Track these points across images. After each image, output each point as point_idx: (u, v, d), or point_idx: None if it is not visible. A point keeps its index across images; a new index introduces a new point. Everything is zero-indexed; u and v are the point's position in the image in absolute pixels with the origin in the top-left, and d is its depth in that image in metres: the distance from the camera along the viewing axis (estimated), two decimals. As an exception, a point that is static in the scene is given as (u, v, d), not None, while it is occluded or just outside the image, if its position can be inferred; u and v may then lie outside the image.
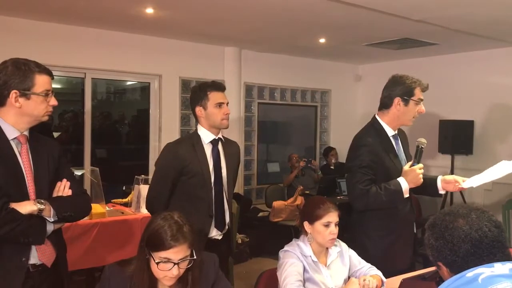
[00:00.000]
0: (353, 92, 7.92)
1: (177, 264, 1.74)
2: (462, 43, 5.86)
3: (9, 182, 1.97)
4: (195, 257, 1.79)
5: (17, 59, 2.03)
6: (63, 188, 2.13)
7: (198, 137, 2.74)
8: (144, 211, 3.98)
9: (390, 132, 2.78)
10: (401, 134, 2.91)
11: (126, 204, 4.27)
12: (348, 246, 2.56)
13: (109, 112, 6.89)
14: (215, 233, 2.74)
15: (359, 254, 2.55)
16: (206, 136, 2.74)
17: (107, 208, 3.98)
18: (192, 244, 1.78)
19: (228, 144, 2.87)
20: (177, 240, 1.73)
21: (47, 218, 2.01)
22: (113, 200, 4.41)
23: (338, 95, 7.77)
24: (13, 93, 1.98)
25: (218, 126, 2.73)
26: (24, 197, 2.00)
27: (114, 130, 6.83)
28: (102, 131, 6.41)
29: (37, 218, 1.98)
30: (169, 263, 1.73)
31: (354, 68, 7.91)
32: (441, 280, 1.45)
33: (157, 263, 1.73)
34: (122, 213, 4.01)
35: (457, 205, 1.54)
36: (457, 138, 6.13)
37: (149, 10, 4.54)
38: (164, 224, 1.76)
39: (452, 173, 6.17)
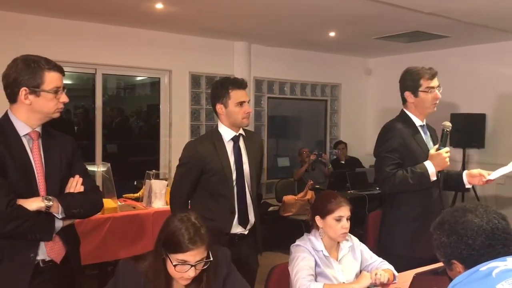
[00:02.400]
0: (363, 86, 7.88)
1: (194, 266, 1.74)
2: (473, 36, 5.80)
3: (18, 179, 1.97)
4: (211, 259, 1.79)
5: (27, 56, 2.02)
6: (75, 184, 2.12)
7: (218, 134, 2.71)
8: (155, 205, 4.02)
9: (418, 122, 2.85)
10: (431, 130, 2.97)
11: (138, 199, 4.29)
12: (379, 230, 2.56)
13: (120, 108, 6.93)
14: (240, 229, 2.72)
15: (387, 238, 2.55)
16: (226, 133, 2.71)
17: (119, 203, 4.01)
18: (209, 246, 1.78)
19: (250, 138, 2.83)
20: (194, 243, 1.73)
21: (56, 215, 2.01)
22: (125, 195, 4.43)
23: (348, 89, 7.74)
24: (23, 90, 1.98)
25: (239, 124, 2.70)
26: (34, 193, 2.00)
27: (124, 126, 6.87)
28: (113, 127, 6.46)
29: (45, 215, 1.98)
30: (186, 265, 1.74)
31: (364, 61, 7.86)
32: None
33: (175, 266, 1.74)
34: (134, 207, 4.04)
35: (460, 203, 1.58)
36: (469, 132, 6.08)
37: (159, 6, 4.54)
38: (182, 226, 1.75)
39: (464, 167, 6.12)
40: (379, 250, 2.67)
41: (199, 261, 1.75)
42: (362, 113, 7.77)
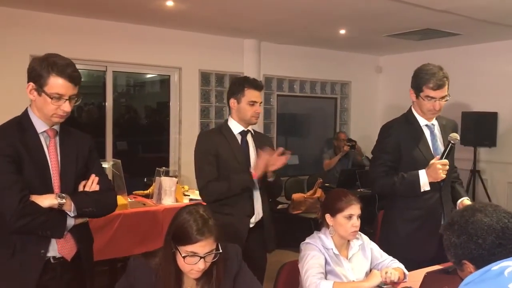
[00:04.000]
0: (373, 84, 7.84)
1: (203, 257, 1.75)
2: (486, 33, 5.74)
3: (33, 175, 2.00)
4: (220, 251, 1.80)
5: (51, 56, 2.02)
6: (91, 183, 2.14)
7: (227, 127, 2.86)
8: (165, 202, 4.02)
9: (423, 121, 2.79)
10: (449, 125, 2.87)
11: (148, 196, 4.32)
12: (381, 229, 2.57)
13: (130, 105, 6.96)
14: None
15: (386, 238, 2.55)
16: (235, 127, 2.86)
17: (129, 200, 4.03)
18: (218, 238, 1.80)
19: (259, 137, 2.99)
20: (203, 234, 1.75)
21: (68, 213, 2.03)
22: (135, 192, 4.45)
23: (358, 87, 7.70)
24: (29, 85, 2.01)
25: (247, 121, 2.84)
26: (48, 190, 2.02)
27: (134, 123, 6.90)
28: (123, 124, 6.48)
29: (57, 212, 2.00)
30: (196, 257, 1.75)
31: (375, 59, 7.82)
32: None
33: (184, 257, 1.75)
34: (144, 204, 4.06)
35: (469, 203, 1.57)
36: (480, 130, 6.03)
37: (169, 3, 4.55)
38: (190, 218, 1.78)
39: (475, 166, 6.08)
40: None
41: (208, 252, 1.76)
42: (372, 111, 7.73)
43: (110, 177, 4.21)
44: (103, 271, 4.26)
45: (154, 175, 4.31)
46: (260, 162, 2.69)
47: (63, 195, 2.02)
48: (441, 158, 2.63)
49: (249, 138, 2.88)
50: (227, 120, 2.91)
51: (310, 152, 7.43)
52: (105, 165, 4.45)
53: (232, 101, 2.83)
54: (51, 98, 1.98)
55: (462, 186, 3.04)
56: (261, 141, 2.94)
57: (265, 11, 4.89)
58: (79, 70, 2.10)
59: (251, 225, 2.79)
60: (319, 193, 5.79)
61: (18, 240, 1.98)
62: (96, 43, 5.29)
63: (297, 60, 6.95)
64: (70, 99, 2.02)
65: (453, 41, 6.21)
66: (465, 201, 2.82)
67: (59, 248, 2.06)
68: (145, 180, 4.75)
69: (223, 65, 6.21)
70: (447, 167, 2.62)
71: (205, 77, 6.21)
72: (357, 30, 5.75)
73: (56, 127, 2.11)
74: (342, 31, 5.84)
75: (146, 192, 4.40)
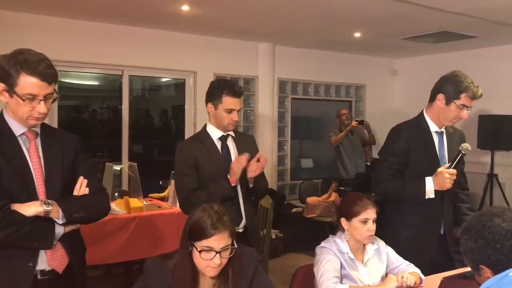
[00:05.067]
0: (388, 87, 7.80)
1: (219, 252, 1.76)
2: (503, 36, 5.68)
3: (13, 182, 1.81)
4: (236, 246, 1.81)
5: (21, 52, 1.80)
6: (79, 187, 1.96)
7: (206, 134, 2.77)
8: (180, 205, 4.05)
9: (434, 127, 2.76)
10: (455, 134, 2.85)
11: (163, 199, 4.34)
12: (383, 233, 2.57)
13: (145, 108, 7.03)
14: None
15: (387, 242, 2.55)
16: (214, 133, 2.76)
17: (145, 202, 4.06)
18: (233, 233, 1.82)
19: (241, 138, 2.87)
20: (217, 228, 1.76)
21: (56, 220, 1.85)
22: (150, 195, 4.49)
23: (373, 90, 7.67)
24: (0, 85, 1.81)
25: (224, 128, 2.74)
26: (32, 197, 1.84)
27: (150, 126, 6.96)
28: (139, 127, 6.55)
29: (43, 221, 1.81)
30: (211, 252, 1.76)
31: (390, 62, 7.78)
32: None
33: (200, 252, 1.76)
34: (159, 207, 4.09)
35: (486, 208, 1.56)
36: (498, 133, 5.95)
37: (185, 8, 4.60)
38: (204, 214, 1.80)
39: (492, 169, 5.99)
40: None
41: (224, 247, 1.77)
42: (387, 114, 7.67)
43: (126, 180, 4.26)
44: (118, 274, 4.31)
45: (170, 178, 4.34)
46: (235, 166, 2.60)
47: (49, 201, 1.83)
48: (449, 167, 2.61)
49: (230, 142, 2.78)
50: (205, 126, 2.80)
51: (325, 156, 7.40)
52: (119, 167, 4.49)
53: (209, 106, 2.72)
54: (23, 100, 1.77)
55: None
56: (243, 142, 2.83)
57: (279, 15, 4.90)
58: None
59: (240, 230, 2.70)
60: (333, 196, 5.77)
61: (2, 254, 1.80)
62: (113, 48, 5.35)
63: (312, 63, 6.94)
64: (45, 99, 1.81)
65: (470, 44, 6.15)
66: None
67: (48, 260, 1.88)
68: (160, 183, 4.78)
69: (237, 69, 6.24)
70: (455, 177, 2.60)
71: (219, 81, 6.23)
72: (372, 33, 5.73)
73: (36, 128, 1.92)
74: (357, 34, 5.83)
75: (161, 194, 4.43)
